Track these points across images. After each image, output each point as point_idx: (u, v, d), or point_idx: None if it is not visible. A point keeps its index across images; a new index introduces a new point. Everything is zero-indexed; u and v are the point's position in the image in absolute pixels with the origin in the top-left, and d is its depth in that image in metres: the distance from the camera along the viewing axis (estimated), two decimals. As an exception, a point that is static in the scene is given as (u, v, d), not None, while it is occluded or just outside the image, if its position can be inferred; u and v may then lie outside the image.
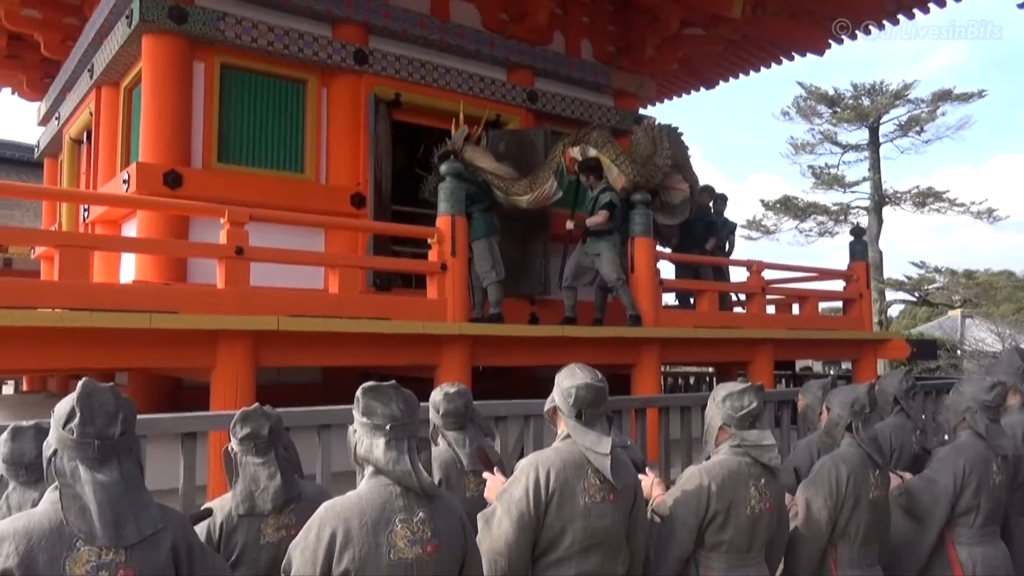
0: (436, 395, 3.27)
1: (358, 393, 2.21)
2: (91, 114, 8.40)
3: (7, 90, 12.41)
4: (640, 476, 2.95)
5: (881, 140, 30.98)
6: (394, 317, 5.77)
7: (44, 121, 10.93)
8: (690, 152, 8.42)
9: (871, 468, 3.32)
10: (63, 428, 1.95)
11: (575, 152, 7.57)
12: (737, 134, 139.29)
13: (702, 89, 13.35)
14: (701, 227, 9.19)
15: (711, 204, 9.70)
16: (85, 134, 9.02)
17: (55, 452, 1.95)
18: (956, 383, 3.99)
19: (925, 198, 30.22)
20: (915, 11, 9.91)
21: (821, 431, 3.87)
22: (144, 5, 6.54)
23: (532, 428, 4.75)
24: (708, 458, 3.06)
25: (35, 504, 2.07)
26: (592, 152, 7.53)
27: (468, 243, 6.76)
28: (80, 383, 2.02)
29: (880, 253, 28.86)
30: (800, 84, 32.20)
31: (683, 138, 8.34)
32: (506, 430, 4.69)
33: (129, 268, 7.08)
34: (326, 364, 6.23)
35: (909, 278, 30.43)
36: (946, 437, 4.04)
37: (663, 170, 7.83)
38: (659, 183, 7.92)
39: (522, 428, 4.81)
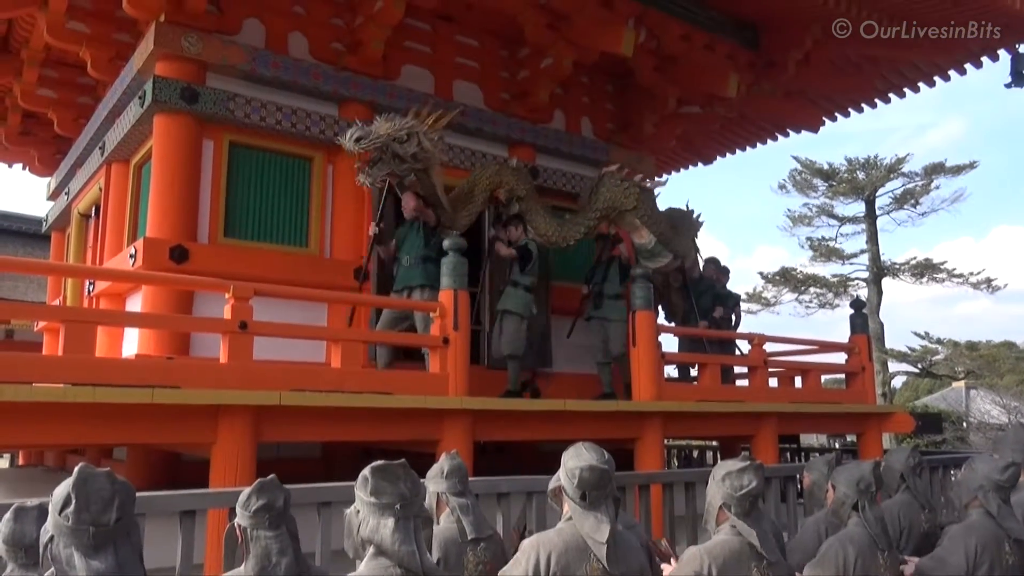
0: (437, 464, 3.29)
1: (366, 473, 2.20)
2: (100, 190, 8.55)
3: (18, 165, 12.69)
4: (664, 566, 2.91)
5: (877, 213, 31.32)
6: (396, 391, 5.75)
7: (53, 196, 11.12)
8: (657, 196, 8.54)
9: (880, 549, 3.27)
10: (59, 514, 1.95)
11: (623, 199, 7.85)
12: (743, 206, 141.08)
13: (700, 164, 13.62)
14: (708, 299, 9.30)
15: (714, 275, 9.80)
16: (94, 209, 9.17)
17: (51, 538, 1.94)
18: (968, 460, 3.95)
19: (923, 269, 30.39)
20: (905, 91, 10.21)
21: (827, 510, 3.82)
22: (157, 86, 6.75)
23: (535, 505, 4.69)
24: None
25: (33, 588, 2.04)
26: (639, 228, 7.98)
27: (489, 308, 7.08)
28: (76, 468, 2.02)
29: (881, 324, 28.84)
30: (795, 158, 32.69)
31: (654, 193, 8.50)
32: (508, 507, 4.62)
33: (132, 341, 7.09)
34: (327, 439, 6.19)
35: (912, 350, 30.36)
36: (956, 513, 3.98)
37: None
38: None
39: (524, 505, 4.74)
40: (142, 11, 6.97)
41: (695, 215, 9.09)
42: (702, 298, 9.21)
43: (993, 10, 7.76)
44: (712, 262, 9.76)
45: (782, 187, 33.13)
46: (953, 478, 7.07)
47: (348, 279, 7.43)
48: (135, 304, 7.30)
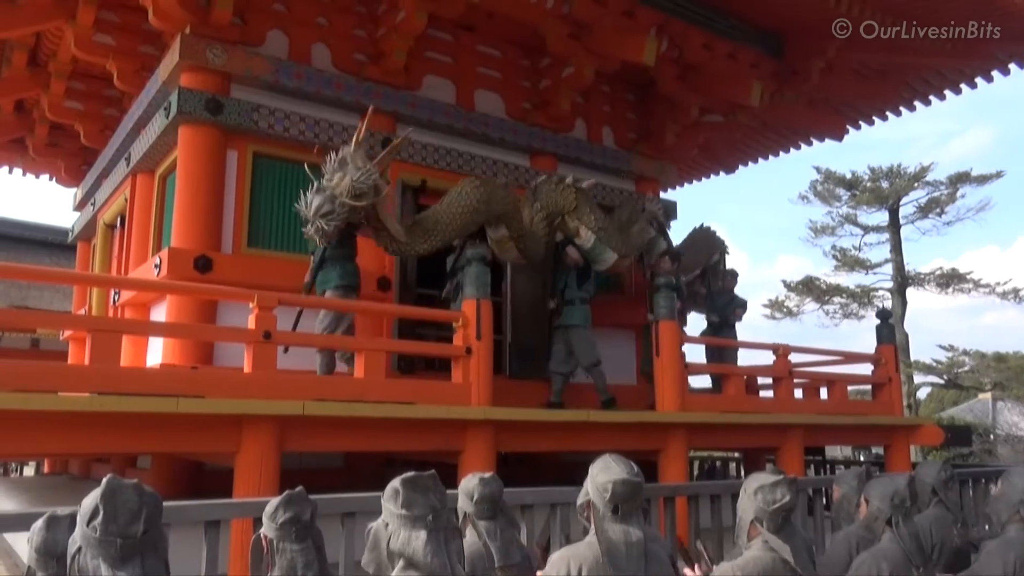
0: (470, 481, 3.19)
1: (396, 485, 2.17)
2: (126, 200, 8.64)
3: (45, 176, 12.87)
4: (687, 571, 2.86)
5: (901, 222, 30.94)
6: (418, 401, 5.74)
7: (80, 206, 11.26)
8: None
9: (914, 565, 3.19)
10: (87, 526, 1.94)
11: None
12: (765, 215, 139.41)
13: (722, 173, 13.54)
14: None
15: (696, 273, 9.52)
16: (119, 219, 9.27)
17: (79, 549, 1.93)
18: (1004, 474, 3.85)
19: (949, 279, 29.96)
20: (931, 98, 10.09)
21: (859, 524, 3.74)
22: (182, 98, 6.81)
23: (559, 517, 4.64)
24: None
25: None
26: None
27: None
28: (104, 480, 2.01)
29: (906, 335, 28.48)
30: (816, 168, 32.38)
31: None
32: (532, 519, 4.58)
33: (157, 351, 7.14)
34: (350, 449, 6.18)
35: (938, 361, 29.88)
36: (988, 528, 3.89)
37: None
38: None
39: (548, 517, 4.70)
40: (168, 24, 7.05)
41: (658, 209, 8.83)
42: None
43: (995, 10, 7.66)
44: (672, 256, 9.32)
45: (803, 198, 32.84)
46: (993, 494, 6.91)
47: (370, 288, 7.42)
48: (160, 314, 7.35)
